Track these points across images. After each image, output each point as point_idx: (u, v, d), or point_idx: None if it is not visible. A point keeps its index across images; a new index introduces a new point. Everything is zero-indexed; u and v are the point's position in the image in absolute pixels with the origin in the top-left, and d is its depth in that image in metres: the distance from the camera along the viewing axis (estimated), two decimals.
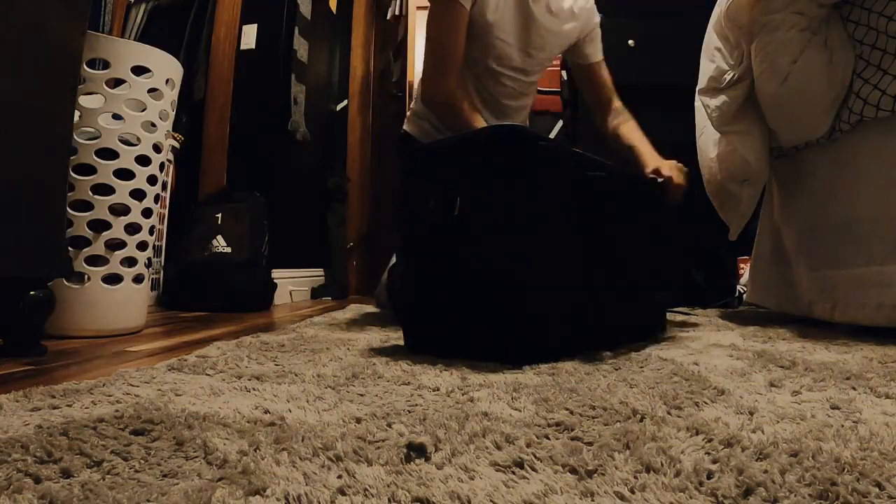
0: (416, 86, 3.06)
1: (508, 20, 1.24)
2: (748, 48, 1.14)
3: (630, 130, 1.36)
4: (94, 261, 1.13)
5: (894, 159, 0.99)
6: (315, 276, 2.61)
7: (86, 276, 1.12)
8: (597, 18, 1.41)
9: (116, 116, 1.14)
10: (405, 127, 1.47)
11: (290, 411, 0.51)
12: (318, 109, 2.69)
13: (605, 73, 1.45)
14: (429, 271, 0.87)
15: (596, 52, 1.41)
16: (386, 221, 3.23)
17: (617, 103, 1.44)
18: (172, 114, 1.27)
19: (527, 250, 0.77)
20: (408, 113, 1.50)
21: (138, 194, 1.17)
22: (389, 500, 0.32)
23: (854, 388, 0.59)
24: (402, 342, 0.92)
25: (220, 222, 1.96)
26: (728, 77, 1.18)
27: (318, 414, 0.51)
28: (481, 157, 0.81)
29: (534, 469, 0.37)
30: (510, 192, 0.78)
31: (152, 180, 1.21)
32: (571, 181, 0.84)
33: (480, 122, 1.17)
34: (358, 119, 3.29)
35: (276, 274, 2.06)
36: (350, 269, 3.05)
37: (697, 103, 1.35)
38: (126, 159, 1.14)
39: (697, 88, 1.30)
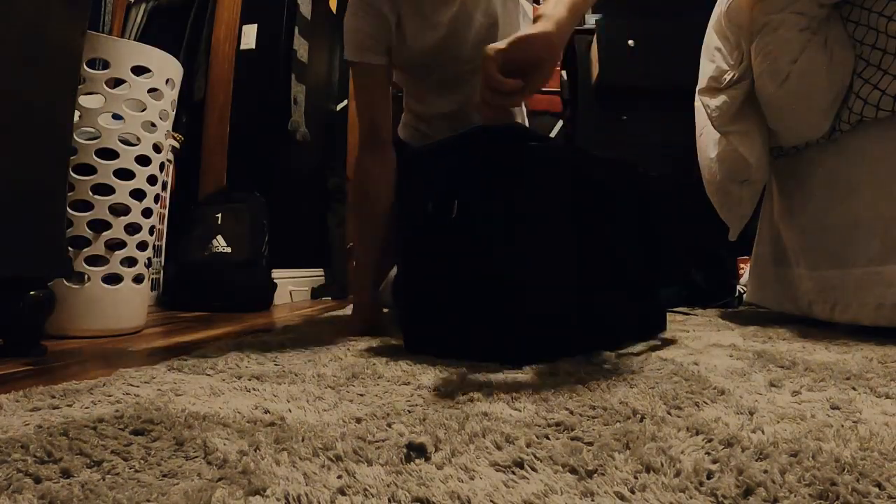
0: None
1: (424, 43, 1.17)
2: (748, 48, 1.14)
3: None
4: (94, 261, 1.13)
5: (894, 159, 0.99)
6: (315, 276, 2.61)
7: (86, 276, 1.12)
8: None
9: (116, 116, 1.14)
10: (398, 133, 1.46)
11: (290, 411, 0.51)
12: (318, 109, 2.69)
13: None
14: (428, 272, 0.87)
15: None
16: None
17: None
18: (172, 114, 1.27)
19: (525, 251, 0.77)
20: (402, 118, 1.48)
21: (138, 194, 1.17)
22: (389, 500, 0.32)
23: (854, 388, 0.59)
24: (402, 342, 0.92)
25: (220, 222, 1.96)
26: (728, 77, 1.18)
27: (318, 414, 0.51)
28: (478, 156, 0.81)
29: (534, 469, 0.37)
30: (507, 193, 0.78)
31: (152, 180, 1.21)
32: (570, 180, 0.84)
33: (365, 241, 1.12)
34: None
35: (276, 274, 2.06)
36: (350, 269, 3.05)
37: (697, 103, 1.35)
38: (126, 159, 1.15)
39: (697, 88, 1.30)
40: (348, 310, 1.73)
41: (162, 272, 1.94)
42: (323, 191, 2.76)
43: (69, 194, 1.03)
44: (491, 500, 0.32)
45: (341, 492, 0.33)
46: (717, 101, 1.20)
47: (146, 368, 0.71)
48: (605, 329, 0.90)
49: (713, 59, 1.23)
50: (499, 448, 0.40)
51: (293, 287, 2.33)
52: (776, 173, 1.33)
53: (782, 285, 1.30)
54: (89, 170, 1.11)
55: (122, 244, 1.16)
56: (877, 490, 0.33)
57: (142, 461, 0.38)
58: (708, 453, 0.39)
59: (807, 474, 0.34)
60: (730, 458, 0.37)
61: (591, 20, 2.33)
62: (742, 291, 1.82)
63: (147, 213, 1.20)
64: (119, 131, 1.13)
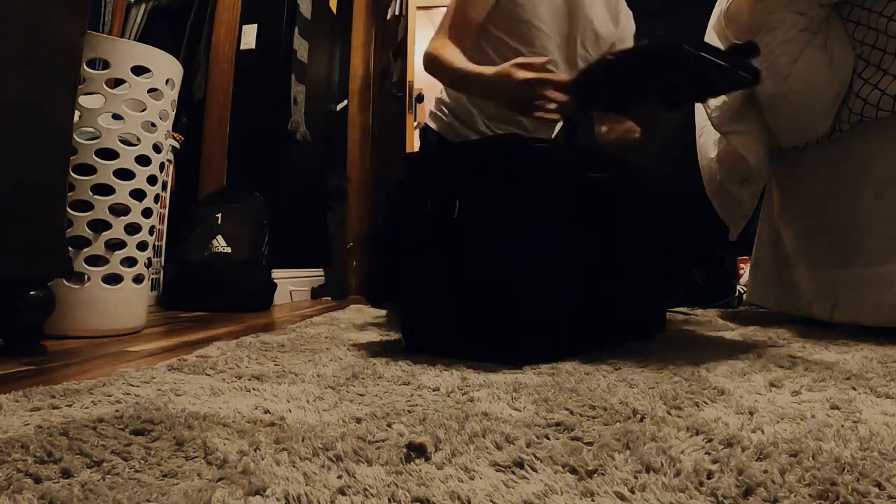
0: (416, 85, 3.05)
1: (555, 20, 1.21)
2: None
3: None
4: (94, 261, 1.13)
5: (894, 159, 0.99)
6: (315, 276, 2.61)
7: (86, 276, 1.11)
8: (632, 26, 1.36)
9: (116, 116, 1.14)
10: (427, 123, 1.44)
11: (290, 411, 0.51)
12: (318, 109, 2.69)
13: None
14: (428, 272, 0.87)
15: None
16: None
17: None
18: (172, 114, 1.27)
19: (526, 250, 0.77)
20: (432, 109, 1.47)
21: (138, 194, 1.17)
22: (389, 500, 0.32)
23: (854, 388, 0.59)
24: (402, 342, 0.92)
25: (220, 222, 1.96)
26: None
27: (318, 414, 0.51)
28: (479, 157, 0.81)
29: (534, 469, 0.37)
30: (508, 193, 0.78)
31: (152, 180, 1.21)
32: (571, 181, 0.84)
33: (459, 59, 1.11)
34: (358, 119, 3.30)
35: (276, 274, 2.06)
36: (350, 269, 3.05)
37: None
38: (126, 159, 1.14)
39: None
40: (348, 310, 1.73)
41: (162, 272, 1.94)
42: (323, 191, 2.76)
43: (69, 194, 1.03)
44: (491, 500, 0.32)
45: (341, 492, 0.33)
46: (717, 101, 1.20)
47: (146, 368, 0.71)
48: (605, 329, 0.90)
49: None
50: (499, 448, 0.40)
51: (293, 287, 2.33)
52: (776, 173, 1.33)
53: (782, 285, 1.30)
54: (89, 170, 1.11)
55: (122, 244, 1.16)
56: (877, 490, 0.33)
57: (142, 461, 0.38)
58: (708, 453, 0.39)
59: (807, 474, 0.34)
60: (730, 458, 0.37)
61: None
62: (742, 291, 1.82)
63: (147, 213, 1.20)
64: (119, 131, 1.13)
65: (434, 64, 1.16)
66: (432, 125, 1.41)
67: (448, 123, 1.36)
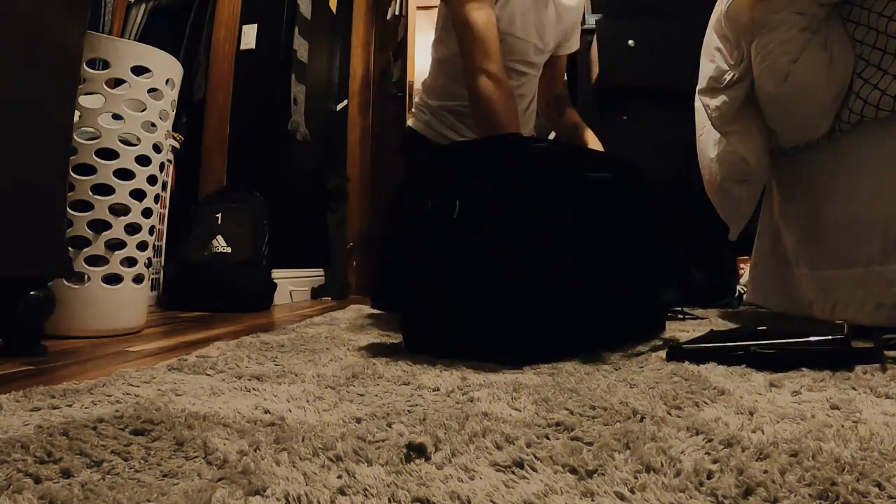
0: (416, 85, 3.06)
1: (521, 16, 1.24)
2: (748, 48, 1.14)
3: (582, 124, 1.42)
4: (94, 261, 1.13)
5: (894, 159, 0.99)
6: (315, 276, 2.61)
7: (86, 276, 1.11)
8: (580, 10, 1.46)
9: (116, 116, 1.14)
10: (409, 123, 1.47)
11: (290, 411, 0.51)
12: (318, 109, 2.69)
13: (564, 62, 1.51)
14: (428, 272, 0.87)
15: (576, 43, 1.47)
16: None
17: (565, 91, 1.50)
18: (172, 114, 1.27)
19: (526, 250, 0.77)
20: (412, 109, 1.50)
21: (138, 194, 1.17)
22: (389, 500, 0.32)
23: (854, 388, 0.59)
24: (402, 342, 0.92)
25: (220, 222, 1.96)
26: (728, 77, 1.18)
27: (318, 414, 0.51)
28: (480, 157, 0.81)
29: (534, 469, 0.37)
30: (509, 193, 0.78)
31: (152, 180, 1.21)
32: (571, 181, 0.84)
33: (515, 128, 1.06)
34: (358, 119, 3.30)
35: (276, 274, 2.06)
36: (350, 269, 3.05)
37: (697, 103, 1.35)
38: (126, 159, 1.15)
39: (697, 88, 1.30)
40: (348, 310, 1.73)
41: (162, 272, 1.94)
42: (323, 191, 2.76)
43: (69, 194, 1.03)
44: (491, 500, 0.32)
45: (341, 492, 0.33)
46: (717, 101, 1.20)
47: (146, 368, 0.71)
48: (605, 329, 0.90)
49: (713, 59, 1.23)
50: (499, 448, 0.40)
51: (293, 287, 2.33)
52: (776, 173, 1.33)
53: (782, 285, 1.30)
54: (89, 170, 1.11)
55: (122, 244, 1.16)
56: (877, 490, 0.33)
57: (142, 461, 0.38)
58: (708, 453, 0.39)
59: (807, 474, 0.34)
60: (730, 458, 0.37)
61: (591, 20, 2.33)
62: (742, 291, 1.82)
63: (147, 213, 1.20)
64: (119, 131, 1.13)
65: (495, 117, 1.05)
66: (413, 125, 1.44)
67: (426, 122, 1.39)
